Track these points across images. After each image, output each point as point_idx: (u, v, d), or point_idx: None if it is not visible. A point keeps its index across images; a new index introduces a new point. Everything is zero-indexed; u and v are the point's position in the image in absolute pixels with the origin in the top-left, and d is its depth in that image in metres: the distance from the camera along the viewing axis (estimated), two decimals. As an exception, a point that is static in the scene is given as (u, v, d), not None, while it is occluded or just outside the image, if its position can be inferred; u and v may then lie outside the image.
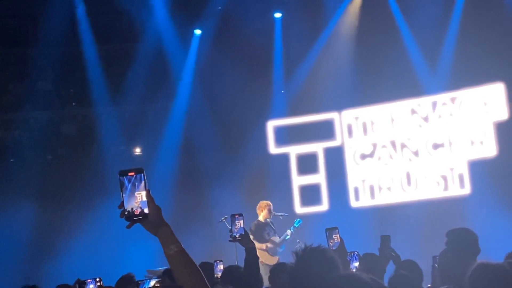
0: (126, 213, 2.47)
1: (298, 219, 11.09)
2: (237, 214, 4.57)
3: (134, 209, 2.48)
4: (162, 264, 10.20)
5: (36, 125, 14.89)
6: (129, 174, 2.50)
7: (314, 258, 2.92)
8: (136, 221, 2.49)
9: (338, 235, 4.27)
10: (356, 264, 4.65)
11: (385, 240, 5.21)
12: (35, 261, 13.09)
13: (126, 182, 2.49)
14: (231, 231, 4.55)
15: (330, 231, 4.30)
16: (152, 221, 2.52)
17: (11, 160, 14.76)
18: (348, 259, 4.48)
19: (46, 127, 14.88)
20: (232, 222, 4.54)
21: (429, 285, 5.69)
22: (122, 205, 2.48)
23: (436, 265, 5.40)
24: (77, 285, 5.49)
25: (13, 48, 15.12)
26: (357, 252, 4.73)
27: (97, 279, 5.68)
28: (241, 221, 4.54)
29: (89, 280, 5.63)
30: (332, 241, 4.25)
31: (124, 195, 2.48)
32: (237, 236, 4.52)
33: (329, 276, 2.65)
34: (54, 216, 13.75)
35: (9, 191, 13.91)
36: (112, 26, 14.66)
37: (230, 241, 4.79)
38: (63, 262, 12.64)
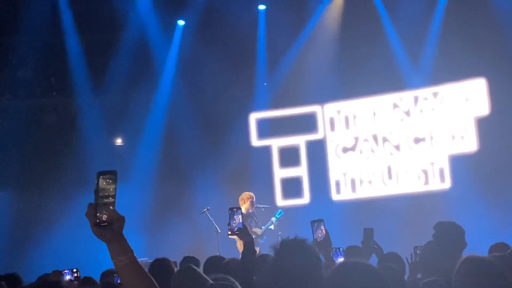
0: (96, 217, 2.32)
1: (280, 211, 11.17)
2: (235, 208, 4.51)
3: (101, 215, 2.33)
4: (143, 255, 10.18)
5: (16, 114, 14.72)
6: (106, 175, 2.35)
7: (293, 249, 2.92)
8: (102, 227, 2.33)
9: (324, 227, 4.28)
10: (341, 259, 4.66)
11: (368, 233, 5.23)
12: (13, 250, 13.00)
13: (101, 184, 2.34)
14: (229, 224, 4.50)
15: (317, 223, 4.30)
16: (116, 230, 2.35)
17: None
18: (332, 256, 4.49)
19: (27, 117, 14.73)
20: (231, 216, 4.47)
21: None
22: (93, 208, 2.32)
23: (414, 255, 5.44)
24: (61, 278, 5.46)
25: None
26: (342, 248, 4.74)
27: (74, 270, 5.64)
28: (240, 216, 4.50)
29: (65, 271, 5.60)
30: (320, 232, 4.26)
31: (97, 198, 2.33)
32: (235, 230, 4.47)
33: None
34: (33, 206, 13.66)
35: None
36: (95, 15, 14.50)
37: (229, 235, 4.75)
38: (43, 252, 12.57)
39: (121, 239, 2.37)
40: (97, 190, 2.33)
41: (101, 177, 2.34)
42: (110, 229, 2.33)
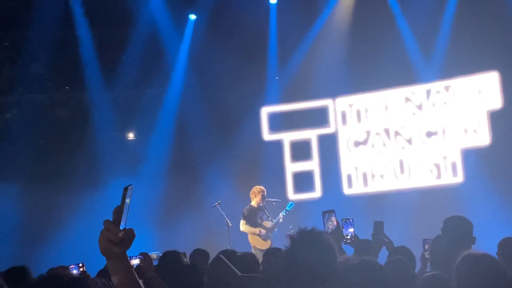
0: (118, 235, 2.20)
1: (290, 203, 11.18)
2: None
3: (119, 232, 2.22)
4: (155, 249, 10.22)
5: (28, 109, 14.80)
6: (129, 190, 2.25)
7: (309, 241, 2.90)
8: (116, 244, 2.22)
9: (335, 218, 4.26)
10: (351, 230, 4.58)
11: (378, 226, 5.21)
12: (24, 244, 13.06)
13: (126, 201, 2.23)
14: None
15: (328, 214, 4.28)
16: (126, 247, 2.27)
17: (3, 143, 14.69)
18: (342, 225, 4.44)
19: (39, 111, 14.79)
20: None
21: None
22: (114, 225, 2.21)
23: (426, 250, 5.43)
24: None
25: (6, 31, 15.00)
26: (352, 219, 4.64)
27: (80, 265, 5.65)
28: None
29: (72, 266, 5.60)
30: (330, 224, 4.24)
31: (121, 214, 2.22)
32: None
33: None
34: (45, 200, 13.71)
35: (1, 174, 13.87)
36: (106, 9, 14.53)
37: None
38: (53, 246, 12.64)
39: (125, 255, 2.29)
40: (122, 207, 2.23)
41: (126, 193, 2.24)
42: (121, 246, 2.24)
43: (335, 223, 4.24)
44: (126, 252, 2.31)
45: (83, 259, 6.72)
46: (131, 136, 15.54)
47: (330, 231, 4.20)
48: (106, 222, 2.23)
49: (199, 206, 13.36)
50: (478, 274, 3.08)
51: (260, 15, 14.23)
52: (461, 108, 12.94)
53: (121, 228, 2.23)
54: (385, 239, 5.22)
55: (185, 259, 6.03)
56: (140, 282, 2.35)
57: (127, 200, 2.25)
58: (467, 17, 12.75)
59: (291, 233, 3.02)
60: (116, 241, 2.21)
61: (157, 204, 13.71)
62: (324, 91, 13.95)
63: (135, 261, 5.07)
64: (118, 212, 2.23)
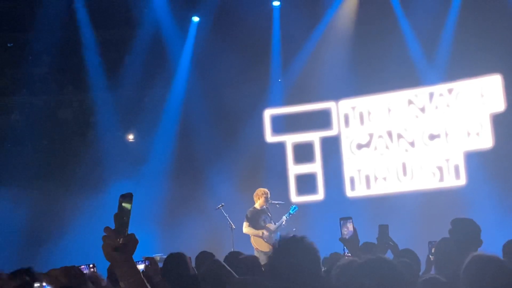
0: (117, 242, 2.24)
1: (294, 206, 11.18)
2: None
3: (120, 238, 2.27)
4: (158, 251, 10.22)
5: (32, 110, 14.82)
6: (127, 198, 2.30)
7: (290, 247, 2.94)
8: (118, 251, 2.26)
9: (352, 224, 4.27)
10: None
11: (383, 229, 5.21)
12: (30, 246, 13.08)
13: (123, 208, 2.27)
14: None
15: (344, 220, 4.30)
16: (130, 253, 2.30)
17: (7, 144, 14.71)
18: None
19: (42, 112, 14.83)
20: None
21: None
22: (114, 232, 2.25)
23: (431, 252, 5.42)
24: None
25: (10, 32, 15.02)
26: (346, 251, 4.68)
27: (91, 265, 5.66)
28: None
29: (82, 266, 5.61)
30: (346, 230, 4.25)
31: (120, 221, 2.27)
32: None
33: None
34: (49, 201, 13.73)
35: (5, 176, 13.89)
36: (110, 11, 14.56)
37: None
38: (58, 248, 12.66)
39: (131, 260, 2.32)
40: (120, 214, 2.27)
41: (123, 200, 2.29)
42: (124, 252, 2.28)
43: (350, 229, 4.25)
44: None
45: (87, 260, 6.73)
46: (133, 137, 15.55)
47: (347, 237, 4.22)
48: (107, 229, 2.27)
49: (202, 208, 13.36)
50: (486, 276, 3.09)
51: (263, 17, 14.25)
52: (464, 111, 12.94)
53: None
54: (390, 243, 5.22)
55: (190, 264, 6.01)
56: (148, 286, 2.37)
57: (128, 206, 2.28)
58: (471, 19, 12.76)
59: (275, 243, 3.05)
60: (117, 247, 2.24)
61: (160, 205, 13.73)
62: (327, 94, 13.96)
63: (140, 266, 5.07)
64: (116, 219, 2.27)
